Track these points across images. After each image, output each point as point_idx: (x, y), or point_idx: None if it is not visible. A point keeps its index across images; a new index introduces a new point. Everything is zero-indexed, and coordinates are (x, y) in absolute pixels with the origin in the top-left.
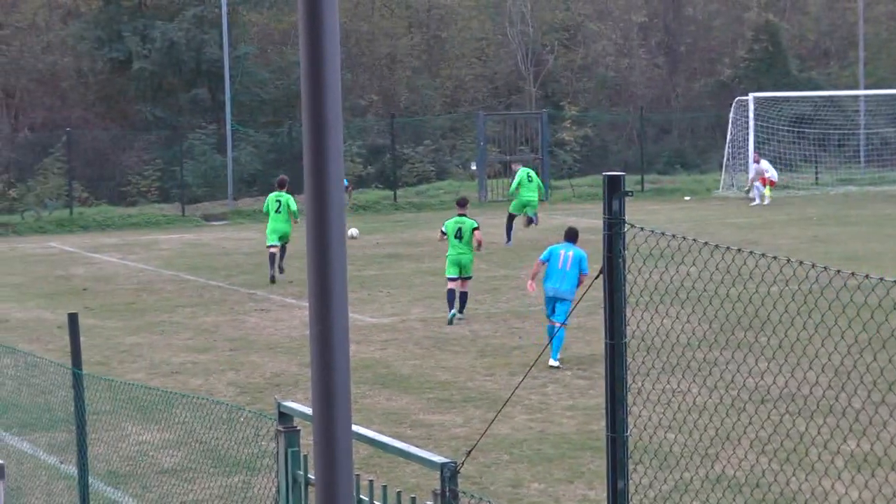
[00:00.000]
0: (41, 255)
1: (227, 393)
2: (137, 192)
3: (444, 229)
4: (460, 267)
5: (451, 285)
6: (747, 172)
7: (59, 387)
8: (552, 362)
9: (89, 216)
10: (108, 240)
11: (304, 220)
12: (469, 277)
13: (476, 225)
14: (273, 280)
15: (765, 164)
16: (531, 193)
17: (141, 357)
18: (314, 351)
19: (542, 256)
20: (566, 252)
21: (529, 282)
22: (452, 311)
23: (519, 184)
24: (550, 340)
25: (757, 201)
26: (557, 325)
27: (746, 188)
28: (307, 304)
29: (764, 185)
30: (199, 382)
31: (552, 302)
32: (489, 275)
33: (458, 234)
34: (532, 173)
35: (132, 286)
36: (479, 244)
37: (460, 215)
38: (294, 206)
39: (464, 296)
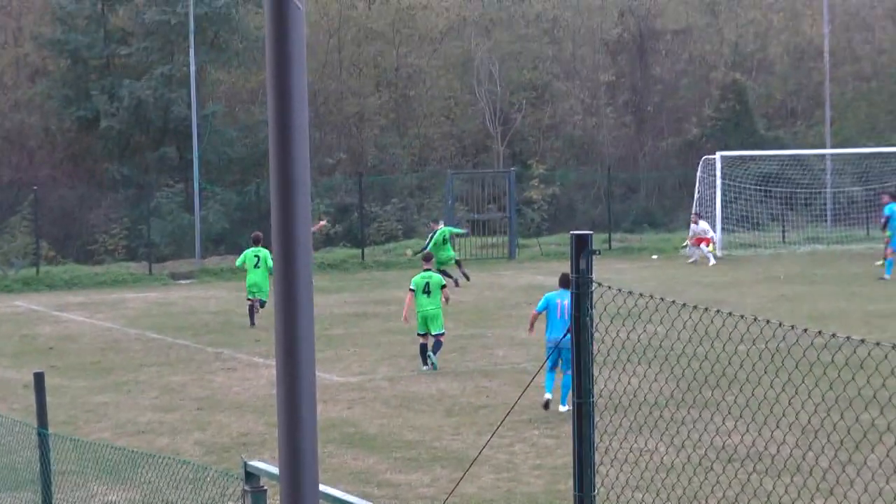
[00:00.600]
0: (7, 315)
1: (193, 452)
2: (104, 251)
3: (412, 286)
4: (427, 322)
5: (422, 341)
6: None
7: (24, 446)
8: (562, 408)
9: (56, 275)
10: (74, 298)
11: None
12: (441, 333)
13: (444, 282)
14: (253, 324)
15: (703, 224)
16: (446, 254)
17: (107, 416)
18: (281, 410)
19: (538, 307)
20: (562, 301)
21: (529, 329)
22: (425, 367)
23: (435, 244)
24: (546, 391)
25: (694, 259)
26: (566, 372)
27: (684, 244)
28: (274, 363)
29: (708, 245)
30: (165, 442)
31: (555, 352)
32: (457, 333)
33: (427, 290)
34: (447, 235)
35: (98, 345)
36: (447, 300)
37: (426, 270)
38: (271, 263)
39: (439, 343)
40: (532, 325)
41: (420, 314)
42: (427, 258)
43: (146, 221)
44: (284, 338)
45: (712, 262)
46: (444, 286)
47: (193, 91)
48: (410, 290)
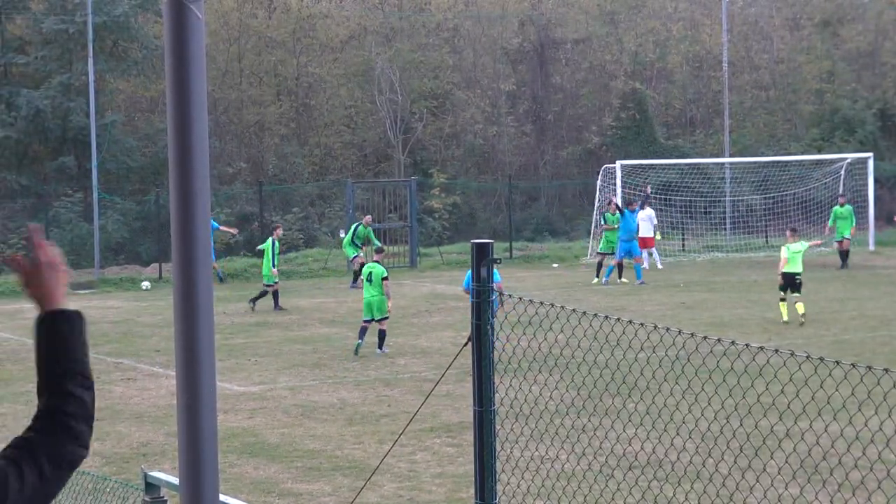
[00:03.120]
0: None
1: (92, 463)
2: (1, 261)
3: (362, 275)
4: (372, 308)
5: (364, 324)
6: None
7: None
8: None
9: None
10: None
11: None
12: (385, 318)
13: (385, 274)
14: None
15: (647, 212)
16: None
17: (5, 427)
18: (181, 420)
19: (465, 283)
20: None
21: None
22: (359, 340)
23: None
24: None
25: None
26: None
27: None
28: (175, 373)
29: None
30: None
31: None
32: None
33: (369, 278)
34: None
35: None
36: (387, 294)
37: (375, 261)
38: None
39: (382, 332)
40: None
41: (365, 300)
42: (378, 251)
43: (45, 231)
44: (185, 347)
45: (659, 266)
46: (385, 277)
47: (92, 100)
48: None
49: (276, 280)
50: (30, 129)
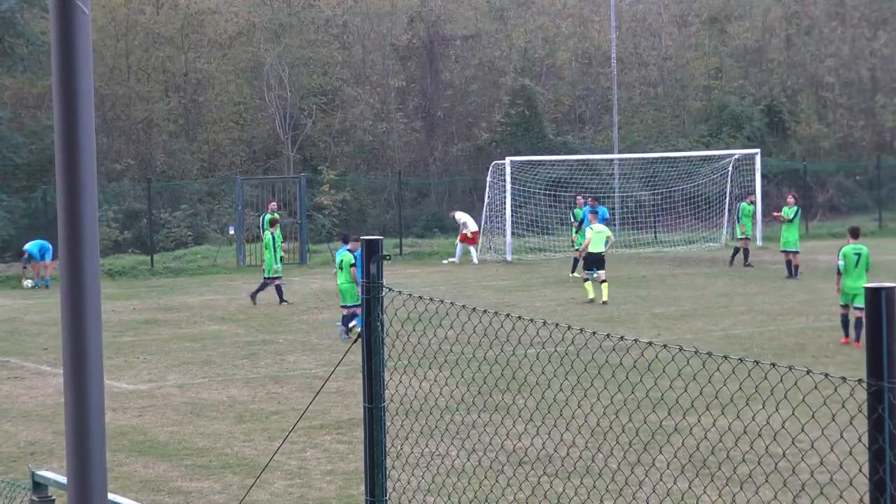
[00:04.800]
0: None
1: None
2: None
3: (335, 263)
4: (345, 296)
5: (342, 311)
6: (500, 235)
7: None
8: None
9: None
10: None
11: (57, 286)
12: (351, 305)
13: (353, 261)
14: None
15: (462, 215)
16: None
17: None
18: (69, 419)
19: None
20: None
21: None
22: (342, 326)
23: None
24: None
25: (457, 259)
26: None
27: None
28: (62, 372)
29: (475, 244)
30: None
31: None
32: (247, 339)
33: (340, 266)
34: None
35: None
36: (355, 280)
37: (349, 250)
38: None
39: (351, 316)
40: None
41: (339, 287)
42: (344, 239)
43: None
44: (72, 345)
45: (475, 260)
46: (353, 265)
47: None
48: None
49: (280, 273)
50: None
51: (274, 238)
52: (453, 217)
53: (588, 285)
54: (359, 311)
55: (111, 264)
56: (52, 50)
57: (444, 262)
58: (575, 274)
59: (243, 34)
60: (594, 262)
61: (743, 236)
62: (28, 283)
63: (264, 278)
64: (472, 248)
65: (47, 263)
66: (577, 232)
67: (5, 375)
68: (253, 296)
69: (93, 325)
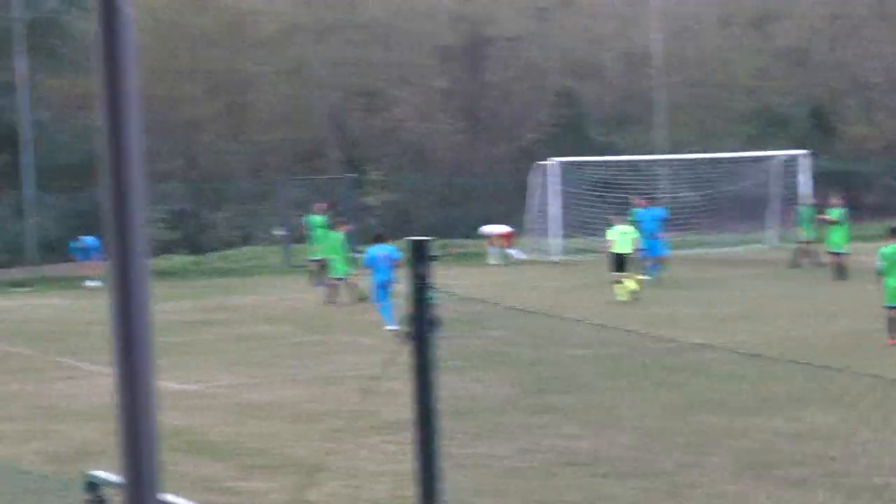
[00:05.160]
0: None
1: (33, 462)
2: None
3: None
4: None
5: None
6: (546, 237)
7: None
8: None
9: None
10: None
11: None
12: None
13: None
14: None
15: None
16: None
17: None
18: (121, 418)
19: (365, 262)
20: (382, 253)
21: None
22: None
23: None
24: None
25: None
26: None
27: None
28: (114, 372)
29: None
30: (4, 451)
31: (382, 287)
32: (297, 340)
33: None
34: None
35: None
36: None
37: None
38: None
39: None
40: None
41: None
42: (380, 239)
43: None
44: (122, 345)
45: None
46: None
47: (24, 98)
48: None
49: (350, 274)
50: None
51: (343, 238)
52: (482, 233)
53: (628, 283)
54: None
55: (160, 264)
56: (97, 50)
57: (491, 263)
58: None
59: (287, 35)
60: (620, 263)
61: (807, 238)
62: (93, 283)
63: (333, 278)
64: (508, 250)
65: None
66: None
67: (58, 375)
68: (360, 300)
69: (142, 326)
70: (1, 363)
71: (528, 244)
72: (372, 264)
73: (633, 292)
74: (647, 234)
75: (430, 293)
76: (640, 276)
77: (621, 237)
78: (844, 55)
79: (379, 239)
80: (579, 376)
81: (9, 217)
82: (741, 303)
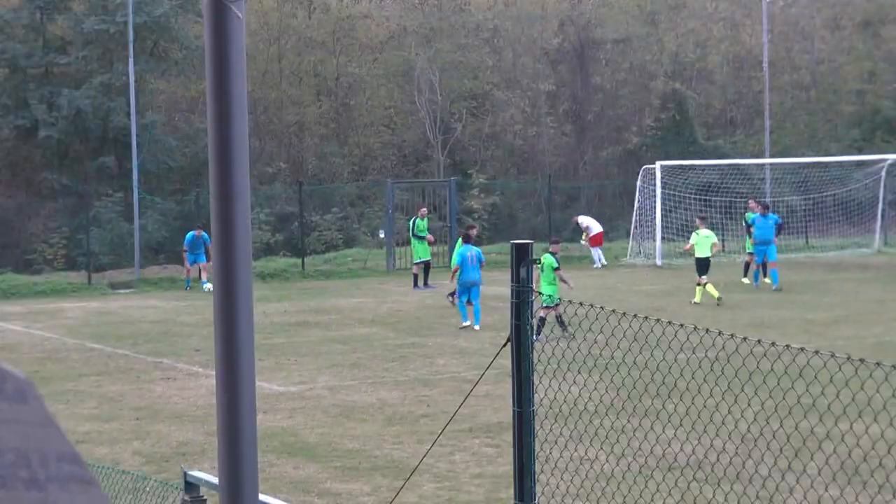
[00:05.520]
0: None
1: (132, 462)
2: (43, 260)
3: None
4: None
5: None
6: (650, 240)
7: None
8: (477, 327)
9: None
10: (12, 308)
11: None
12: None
13: (556, 264)
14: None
15: (585, 219)
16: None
17: None
18: (221, 420)
19: (456, 261)
20: (470, 253)
21: (451, 278)
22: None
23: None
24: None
25: (598, 264)
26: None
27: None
28: (214, 373)
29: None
30: (104, 452)
31: (468, 288)
32: (397, 342)
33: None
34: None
35: (37, 355)
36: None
37: (552, 253)
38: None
39: (554, 318)
40: (454, 275)
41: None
42: (466, 238)
43: (85, 231)
44: (224, 347)
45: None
46: (556, 268)
47: (133, 100)
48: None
49: (426, 258)
50: (71, 129)
51: (416, 222)
52: (575, 222)
53: (710, 287)
54: (558, 310)
55: (263, 266)
56: (206, 54)
57: (595, 266)
58: (745, 279)
59: (394, 38)
60: (702, 266)
61: None
62: (209, 285)
63: (415, 264)
64: (594, 251)
65: (202, 265)
66: (750, 237)
67: (158, 376)
68: (450, 295)
69: (245, 327)
70: (102, 365)
71: (633, 248)
72: (461, 264)
73: (717, 298)
74: (761, 240)
75: (530, 296)
76: (705, 284)
77: (703, 241)
78: None
79: (467, 239)
80: (678, 380)
81: (115, 219)
82: (844, 307)
